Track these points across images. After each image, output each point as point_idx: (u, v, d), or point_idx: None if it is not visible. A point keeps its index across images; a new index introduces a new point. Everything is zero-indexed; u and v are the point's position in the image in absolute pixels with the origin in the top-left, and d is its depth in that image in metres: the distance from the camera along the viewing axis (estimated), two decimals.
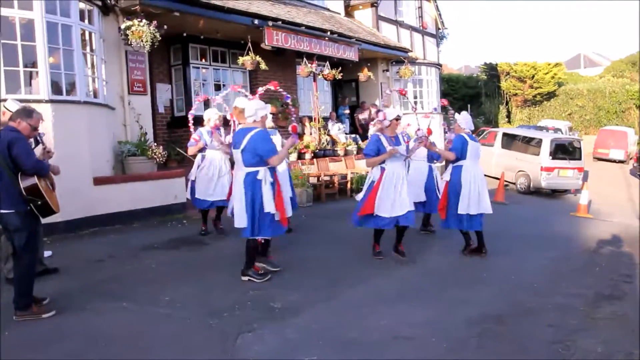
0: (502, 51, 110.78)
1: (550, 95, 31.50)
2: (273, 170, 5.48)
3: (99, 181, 8.64)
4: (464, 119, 7.00)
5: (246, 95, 7.62)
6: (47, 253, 6.64)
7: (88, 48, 8.91)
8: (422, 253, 6.86)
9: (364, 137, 15.52)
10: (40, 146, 5.23)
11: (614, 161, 24.29)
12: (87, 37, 8.85)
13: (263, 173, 5.29)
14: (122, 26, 9.28)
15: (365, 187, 6.56)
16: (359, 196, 6.60)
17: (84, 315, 4.64)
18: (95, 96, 9.02)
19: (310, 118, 14.48)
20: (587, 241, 8.49)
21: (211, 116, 7.74)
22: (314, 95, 14.33)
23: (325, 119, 15.45)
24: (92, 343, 4.03)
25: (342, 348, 3.98)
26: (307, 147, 13.02)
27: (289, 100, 7.99)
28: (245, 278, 5.59)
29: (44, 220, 7.25)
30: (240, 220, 5.33)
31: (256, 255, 5.72)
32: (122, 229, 8.50)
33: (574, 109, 31.29)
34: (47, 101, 7.93)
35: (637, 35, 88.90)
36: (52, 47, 8.12)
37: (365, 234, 8.25)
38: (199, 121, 8.30)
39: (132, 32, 9.19)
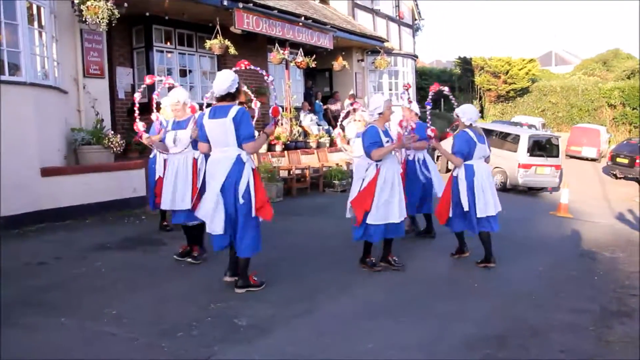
0: (474, 46, 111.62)
1: (524, 91, 31.40)
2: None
3: (47, 172, 7.80)
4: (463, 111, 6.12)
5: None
6: None
7: (36, 24, 8.03)
8: (405, 259, 6.21)
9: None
10: None
11: (587, 159, 24.26)
12: (35, 11, 7.96)
13: None
14: (76, 0, 8.41)
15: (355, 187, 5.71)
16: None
17: (11, 334, 3.87)
18: (44, 78, 8.15)
19: (282, 108, 13.77)
20: (577, 245, 8.00)
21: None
22: (286, 84, 13.62)
23: (297, 109, 14.76)
24: None
25: None
26: (277, 138, 12.32)
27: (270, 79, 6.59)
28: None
29: None
30: None
31: None
32: (73, 226, 7.69)
33: (547, 105, 31.25)
34: None
35: (606, 34, 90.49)
36: None
37: (343, 234, 7.63)
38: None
39: (86, 7, 8.35)
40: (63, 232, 7.33)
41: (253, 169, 4.75)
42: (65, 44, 8.89)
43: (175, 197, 5.64)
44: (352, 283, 5.31)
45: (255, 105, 5.78)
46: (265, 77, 5.22)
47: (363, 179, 5.53)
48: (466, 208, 5.93)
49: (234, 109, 4.62)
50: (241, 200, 4.62)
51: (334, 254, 6.47)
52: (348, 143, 8.81)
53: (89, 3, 8.34)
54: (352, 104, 13.14)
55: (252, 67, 5.19)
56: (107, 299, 4.66)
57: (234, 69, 4.94)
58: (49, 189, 7.78)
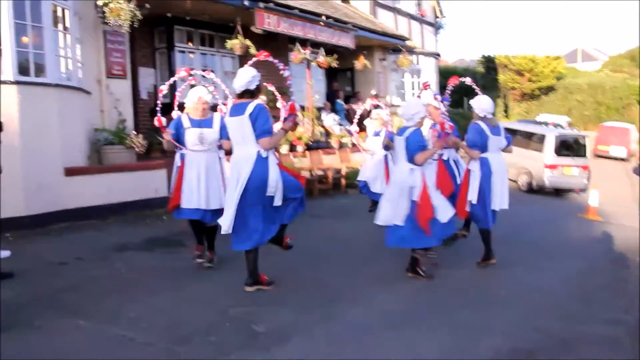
0: (497, 44, 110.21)
1: (549, 89, 30.81)
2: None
3: (71, 172, 7.87)
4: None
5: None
6: (5, 253, 5.88)
7: (61, 26, 8.10)
8: (427, 264, 5.98)
9: (362, 128, 14.74)
10: None
11: (615, 158, 23.66)
12: (59, 14, 8.03)
13: None
14: (99, 2, 8.46)
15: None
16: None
17: (27, 336, 3.88)
18: (68, 79, 8.21)
19: (302, 108, 13.71)
20: (608, 250, 7.76)
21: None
22: (307, 84, 13.54)
23: (319, 109, 14.68)
24: None
25: None
26: (299, 138, 12.26)
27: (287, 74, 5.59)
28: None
29: (4, 215, 6.58)
30: None
31: None
32: (96, 225, 7.74)
33: (573, 104, 30.61)
34: (12, 82, 7.16)
35: (636, 30, 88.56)
36: (19, 23, 7.30)
37: (365, 236, 7.51)
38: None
39: (109, 9, 8.40)
40: (85, 231, 7.38)
41: (277, 163, 4.74)
42: (88, 45, 8.96)
43: (209, 195, 5.51)
44: (373, 289, 5.20)
45: (283, 105, 5.67)
46: (282, 71, 5.16)
47: (411, 188, 5.24)
48: (474, 201, 5.88)
49: (252, 105, 4.60)
50: (270, 193, 4.61)
51: (355, 258, 6.38)
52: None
53: (111, 5, 8.39)
54: (373, 103, 12.96)
55: (271, 59, 5.11)
56: (125, 301, 4.65)
57: (253, 59, 4.90)
58: (73, 188, 7.85)
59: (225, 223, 4.69)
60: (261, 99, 4.93)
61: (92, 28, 9.06)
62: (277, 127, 5.02)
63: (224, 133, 4.91)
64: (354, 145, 13.95)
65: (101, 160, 8.79)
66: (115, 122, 9.22)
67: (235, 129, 4.70)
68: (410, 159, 5.28)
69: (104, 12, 8.44)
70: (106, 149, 8.72)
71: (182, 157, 5.70)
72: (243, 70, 4.75)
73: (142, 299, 4.74)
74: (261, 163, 4.61)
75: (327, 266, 6.00)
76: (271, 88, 6.65)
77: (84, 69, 8.69)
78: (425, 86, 6.85)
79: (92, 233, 7.31)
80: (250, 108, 4.58)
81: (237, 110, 4.66)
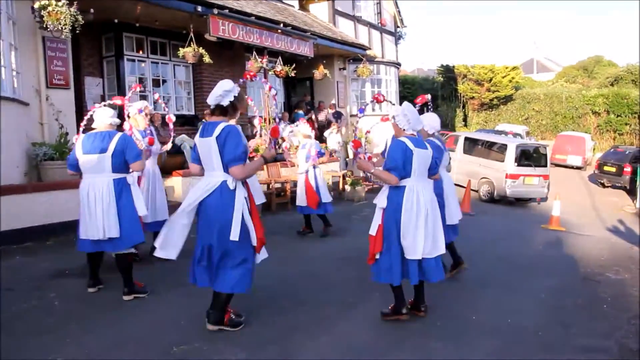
0: (455, 54, 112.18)
1: (507, 99, 31.20)
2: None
3: (4, 191, 7.18)
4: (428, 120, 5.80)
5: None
6: None
7: None
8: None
9: (322, 140, 14.35)
10: None
11: (571, 167, 24.06)
12: None
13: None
14: (36, 5, 7.83)
15: None
16: None
17: None
18: (1, 89, 7.53)
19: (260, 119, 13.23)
20: (576, 263, 7.48)
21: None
22: (265, 94, 13.08)
23: (277, 120, 14.20)
24: None
25: None
26: (256, 150, 11.74)
27: (273, 93, 5.17)
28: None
29: None
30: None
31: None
32: (32, 249, 7.07)
33: (530, 113, 31.07)
34: None
35: (586, 42, 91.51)
36: None
37: (326, 257, 7.09)
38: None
39: (48, 13, 7.77)
40: (19, 256, 6.70)
41: (248, 198, 4.09)
42: (25, 52, 8.29)
43: None
44: (335, 318, 4.73)
45: (260, 122, 5.12)
46: (267, 91, 4.79)
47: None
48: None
49: (220, 126, 3.91)
50: (234, 237, 3.90)
51: (315, 282, 5.91)
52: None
53: (50, 8, 7.78)
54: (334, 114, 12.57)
55: (257, 78, 4.79)
56: (55, 340, 4.07)
57: (240, 80, 4.34)
58: (7, 209, 7.15)
59: (173, 253, 4.08)
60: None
61: (30, 34, 8.39)
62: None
63: (193, 155, 4.21)
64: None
65: (41, 177, 8.11)
66: (56, 136, 8.54)
67: (204, 152, 4.02)
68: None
69: (42, 17, 7.80)
70: (46, 165, 8.04)
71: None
72: (220, 83, 4.06)
73: (74, 337, 4.15)
74: (223, 194, 3.95)
75: (285, 292, 5.49)
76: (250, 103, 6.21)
77: (20, 78, 8.04)
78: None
79: (27, 258, 6.64)
80: (218, 129, 3.90)
81: (206, 130, 3.99)
